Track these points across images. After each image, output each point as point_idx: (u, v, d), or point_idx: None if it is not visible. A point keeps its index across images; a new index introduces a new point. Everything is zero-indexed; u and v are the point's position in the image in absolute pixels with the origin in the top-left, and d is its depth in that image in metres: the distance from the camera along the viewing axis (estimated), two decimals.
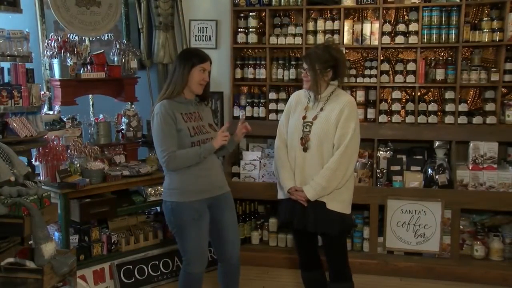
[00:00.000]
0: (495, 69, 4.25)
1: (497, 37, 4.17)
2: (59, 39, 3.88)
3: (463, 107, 4.31)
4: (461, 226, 4.22)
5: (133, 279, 3.87)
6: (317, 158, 2.97)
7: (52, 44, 3.88)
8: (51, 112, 3.97)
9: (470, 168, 4.22)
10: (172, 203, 2.99)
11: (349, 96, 3.11)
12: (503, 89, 4.33)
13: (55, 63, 3.88)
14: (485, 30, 4.20)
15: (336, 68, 3.00)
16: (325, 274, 3.25)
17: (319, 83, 2.98)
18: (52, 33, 4.05)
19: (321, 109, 3.02)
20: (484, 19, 4.26)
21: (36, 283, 2.45)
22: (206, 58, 2.99)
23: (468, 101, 4.48)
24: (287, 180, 3.07)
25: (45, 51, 3.94)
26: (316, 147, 2.97)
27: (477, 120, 4.28)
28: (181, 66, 2.93)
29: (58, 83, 3.90)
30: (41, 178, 3.64)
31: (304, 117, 3.05)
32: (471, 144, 4.23)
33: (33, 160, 3.62)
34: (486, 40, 4.21)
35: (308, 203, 2.99)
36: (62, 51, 3.85)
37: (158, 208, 4.42)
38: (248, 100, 4.69)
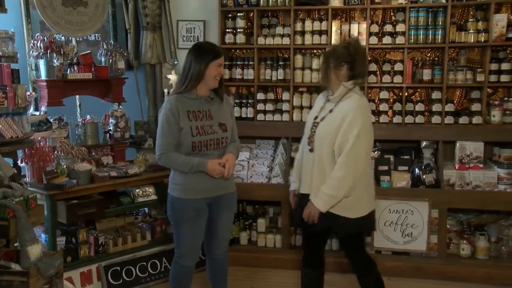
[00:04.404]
0: (480, 69, 4.29)
1: (483, 38, 4.21)
2: (45, 39, 3.86)
3: (449, 107, 4.34)
4: (448, 225, 4.26)
5: (121, 281, 3.85)
6: (318, 160, 2.96)
7: (38, 45, 3.85)
8: (37, 113, 3.94)
9: (456, 167, 4.25)
10: (173, 198, 3.03)
11: (359, 100, 2.96)
12: (488, 90, 4.37)
13: (41, 63, 3.86)
14: (470, 31, 4.24)
15: (352, 65, 2.93)
16: (324, 275, 3.24)
17: (329, 77, 2.96)
18: (38, 33, 4.02)
19: (330, 111, 2.98)
20: (470, 20, 4.30)
21: (21, 285, 2.44)
22: (220, 53, 2.99)
23: (455, 101, 4.52)
24: (291, 182, 3.27)
25: (31, 52, 3.92)
26: (317, 148, 2.96)
27: (463, 120, 4.31)
28: (197, 62, 2.92)
29: (45, 83, 3.87)
30: (27, 180, 3.61)
31: (315, 117, 3.05)
32: (457, 144, 4.27)
33: (19, 162, 3.59)
34: (472, 41, 4.24)
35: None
36: (49, 51, 3.83)
37: (146, 209, 4.40)
38: (236, 101, 4.68)
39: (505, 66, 4.23)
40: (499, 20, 4.16)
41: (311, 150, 3.00)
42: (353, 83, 2.98)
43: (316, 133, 2.98)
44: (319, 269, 3.22)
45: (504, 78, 4.23)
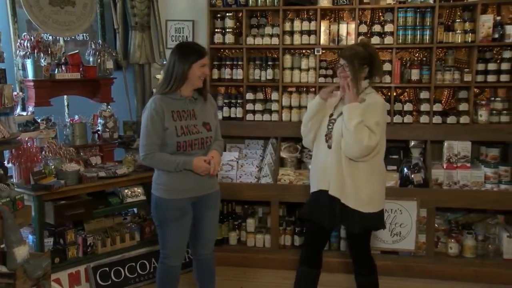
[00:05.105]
0: (467, 69, 4.33)
1: (470, 38, 4.25)
2: (32, 38, 3.83)
3: (437, 107, 4.38)
4: (436, 225, 4.29)
5: (110, 282, 3.82)
6: (336, 156, 2.98)
7: (25, 44, 3.82)
8: (24, 113, 3.90)
9: (444, 167, 4.29)
10: (157, 198, 3.02)
11: (378, 97, 3.05)
12: (475, 89, 4.41)
13: (29, 63, 3.82)
14: (458, 31, 4.27)
15: (371, 65, 3.00)
16: (319, 275, 3.26)
17: (359, 78, 2.97)
18: (25, 33, 3.98)
19: None
20: (457, 20, 4.34)
21: (8, 287, 2.41)
22: (204, 53, 2.99)
23: (442, 101, 4.55)
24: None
25: (18, 51, 3.88)
26: (336, 143, 2.98)
27: (451, 119, 4.35)
28: (181, 62, 2.91)
29: (32, 83, 3.84)
30: (14, 180, 3.58)
31: (331, 115, 3.07)
32: (445, 144, 4.30)
33: (5, 162, 3.56)
34: (459, 41, 4.28)
35: (328, 200, 2.99)
36: (36, 51, 3.79)
37: (135, 210, 4.39)
38: (225, 101, 4.68)
39: (491, 66, 4.27)
40: (486, 21, 4.21)
41: (329, 147, 3.02)
42: (369, 82, 3.05)
43: (334, 129, 3.01)
44: (316, 268, 3.24)
45: (490, 78, 4.27)
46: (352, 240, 3.19)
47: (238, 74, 4.61)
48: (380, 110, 2.98)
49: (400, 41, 4.35)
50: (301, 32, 4.47)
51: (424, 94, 4.41)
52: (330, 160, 3.01)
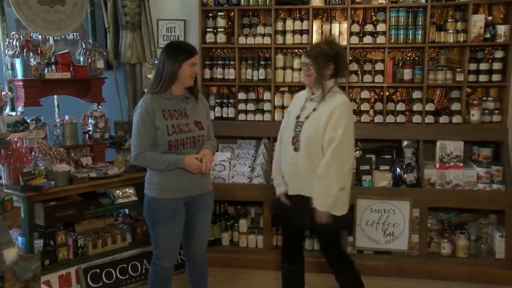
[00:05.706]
0: (459, 69, 4.34)
1: (461, 38, 4.25)
2: (22, 38, 3.79)
3: (430, 107, 4.38)
4: (428, 224, 4.29)
5: (101, 283, 3.79)
6: (306, 159, 2.96)
7: (14, 43, 3.78)
8: (13, 113, 3.86)
9: (437, 167, 4.29)
10: (150, 198, 3.00)
11: (343, 97, 3.02)
12: (467, 89, 4.42)
13: (18, 62, 3.78)
14: (450, 31, 4.28)
15: (336, 63, 2.97)
16: (304, 271, 3.26)
17: (324, 76, 2.95)
18: (14, 32, 3.94)
19: (314, 109, 3.00)
20: (449, 20, 4.34)
21: None
22: (194, 52, 2.97)
23: (435, 101, 4.56)
24: (277, 186, 3.19)
25: (7, 50, 3.83)
26: (304, 147, 2.96)
27: (443, 119, 4.35)
28: (170, 62, 2.89)
29: (21, 83, 3.80)
30: (3, 181, 3.54)
31: (297, 117, 3.04)
32: (438, 143, 4.31)
33: None
34: (451, 40, 4.28)
35: (300, 203, 2.99)
36: (25, 50, 3.75)
37: (127, 210, 4.35)
38: (217, 101, 4.66)
39: (483, 66, 4.28)
40: (477, 21, 4.21)
41: (296, 150, 2.99)
42: (335, 81, 3.02)
43: (302, 132, 2.98)
44: (300, 265, 3.24)
45: (482, 78, 4.28)
46: (323, 241, 3.18)
47: (230, 73, 4.59)
48: (346, 114, 2.94)
49: (393, 40, 4.35)
50: (293, 32, 4.46)
51: (416, 94, 4.41)
52: (300, 164, 2.99)
